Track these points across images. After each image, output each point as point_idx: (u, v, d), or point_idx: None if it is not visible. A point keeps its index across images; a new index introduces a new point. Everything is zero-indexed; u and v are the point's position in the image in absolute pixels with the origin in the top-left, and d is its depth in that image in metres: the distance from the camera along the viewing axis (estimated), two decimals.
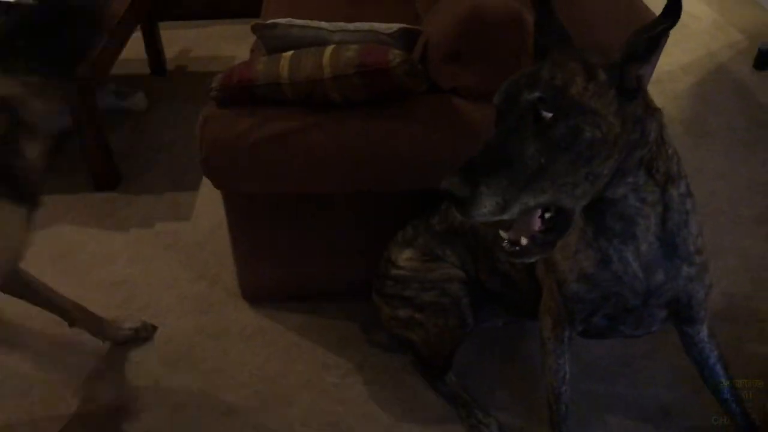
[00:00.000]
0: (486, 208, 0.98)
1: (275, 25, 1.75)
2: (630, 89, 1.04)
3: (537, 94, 1.00)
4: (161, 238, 2.28)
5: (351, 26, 1.77)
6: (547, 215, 1.08)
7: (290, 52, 1.68)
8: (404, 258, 1.67)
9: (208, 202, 2.38)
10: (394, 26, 1.76)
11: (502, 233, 1.10)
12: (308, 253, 1.88)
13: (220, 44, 3.42)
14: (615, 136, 1.03)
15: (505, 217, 1.00)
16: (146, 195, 2.46)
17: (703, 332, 1.42)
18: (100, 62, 2.37)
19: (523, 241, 1.08)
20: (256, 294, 2.00)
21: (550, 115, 0.99)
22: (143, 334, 1.90)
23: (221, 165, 1.68)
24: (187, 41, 3.44)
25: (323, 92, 1.63)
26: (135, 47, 2.95)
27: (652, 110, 1.11)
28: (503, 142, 1.01)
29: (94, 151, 2.40)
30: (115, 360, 1.86)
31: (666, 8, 0.99)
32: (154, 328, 1.92)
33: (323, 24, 1.77)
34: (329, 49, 1.66)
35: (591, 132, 1.00)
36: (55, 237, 2.27)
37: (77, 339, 1.81)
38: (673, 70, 3.01)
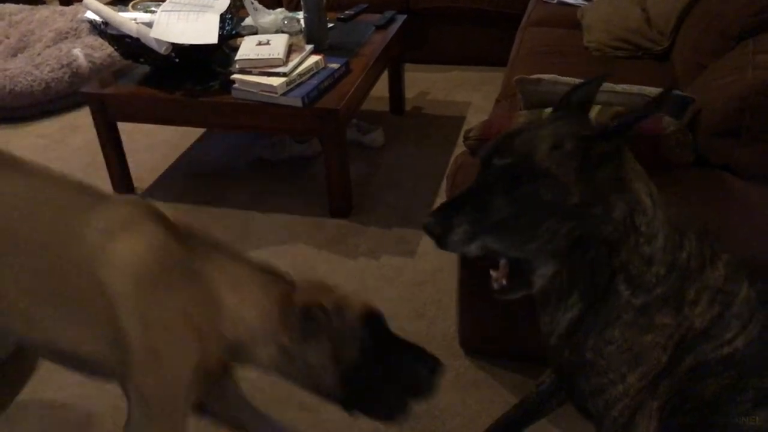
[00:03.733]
0: (456, 246, 1.15)
1: (539, 81, 1.74)
2: (594, 162, 1.10)
3: (507, 161, 1.12)
4: (385, 270, 2.35)
5: (618, 87, 1.71)
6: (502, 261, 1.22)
7: (551, 109, 1.66)
8: None
9: (433, 244, 2.41)
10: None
11: (492, 272, 1.25)
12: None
13: (457, 89, 3.51)
14: (573, 204, 1.10)
15: (470, 252, 1.15)
16: (374, 227, 2.56)
17: None
18: (352, 99, 2.53)
19: (503, 281, 1.23)
20: (474, 344, 1.98)
21: (517, 176, 1.12)
22: None
23: None
24: (426, 84, 3.57)
25: None
26: (378, 85, 3.12)
27: (624, 188, 1.13)
28: (478, 190, 1.15)
29: (336, 179, 2.55)
30: None
31: (654, 99, 1.07)
32: None
33: None
34: (595, 109, 1.61)
35: (548, 195, 1.09)
36: (292, 254, 2.44)
37: None
38: None
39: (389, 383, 1.33)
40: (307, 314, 1.29)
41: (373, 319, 1.34)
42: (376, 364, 1.32)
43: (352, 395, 1.33)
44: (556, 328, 1.29)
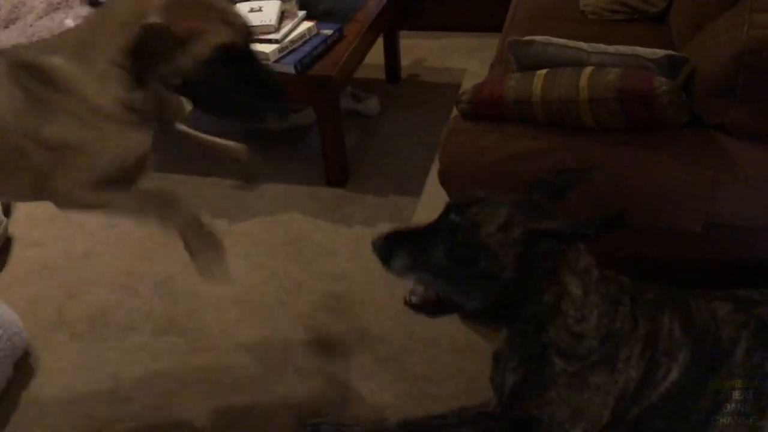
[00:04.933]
0: (394, 270, 1.31)
1: (532, 42, 1.72)
2: (534, 255, 1.23)
3: (458, 220, 1.26)
4: None
5: (611, 48, 1.69)
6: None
7: (545, 71, 1.65)
8: None
9: (428, 209, 2.41)
10: (659, 52, 1.66)
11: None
12: None
13: (453, 56, 3.47)
14: (505, 278, 1.24)
15: (408, 280, 1.34)
16: (371, 195, 2.55)
17: None
18: (346, 66, 2.50)
19: (414, 300, 1.40)
20: None
21: (459, 239, 1.25)
22: None
23: (460, 177, 1.69)
24: (422, 51, 3.53)
25: (576, 114, 1.57)
26: (373, 53, 3.08)
27: (556, 280, 1.27)
28: (428, 233, 1.31)
29: (331, 148, 2.54)
30: (328, 355, 1.94)
31: (603, 221, 1.16)
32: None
33: (582, 44, 1.71)
34: (587, 70, 1.60)
35: (485, 264, 1.23)
36: (288, 224, 2.43)
37: None
38: None
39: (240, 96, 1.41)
40: (144, 31, 1.26)
41: (228, 52, 1.33)
42: (227, 81, 1.37)
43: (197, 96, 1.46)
44: (504, 388, 1.38)
